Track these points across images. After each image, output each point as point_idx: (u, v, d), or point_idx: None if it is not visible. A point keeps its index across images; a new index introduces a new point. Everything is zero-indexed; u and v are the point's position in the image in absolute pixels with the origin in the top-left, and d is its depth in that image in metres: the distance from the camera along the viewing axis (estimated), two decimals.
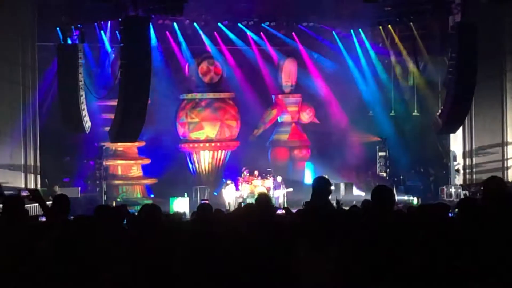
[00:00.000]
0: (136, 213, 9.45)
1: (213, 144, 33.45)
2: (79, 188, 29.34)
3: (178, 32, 31.39)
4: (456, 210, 8.29)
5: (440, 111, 29.04)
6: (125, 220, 9.69)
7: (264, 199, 9.38)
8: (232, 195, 30.07)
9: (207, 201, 23.85)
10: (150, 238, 8.38)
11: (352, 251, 7.87)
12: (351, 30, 32.59)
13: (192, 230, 9.34)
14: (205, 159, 33.62)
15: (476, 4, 27.32)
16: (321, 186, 9.00)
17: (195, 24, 31.23)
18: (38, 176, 28.40)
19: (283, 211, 11.65)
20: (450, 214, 9.38)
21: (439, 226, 7.99)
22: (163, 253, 8.35)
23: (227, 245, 8.48)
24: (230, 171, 32.80)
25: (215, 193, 31.35)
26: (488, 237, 7.68)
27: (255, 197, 27.78)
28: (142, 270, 8.25)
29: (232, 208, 27.74)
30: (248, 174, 30.91)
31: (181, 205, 28.03)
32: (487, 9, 27.80)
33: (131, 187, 32.22)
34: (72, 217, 8.96)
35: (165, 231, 8.74)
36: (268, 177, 31.07)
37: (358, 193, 31.47)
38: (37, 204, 9.41)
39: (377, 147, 34.19)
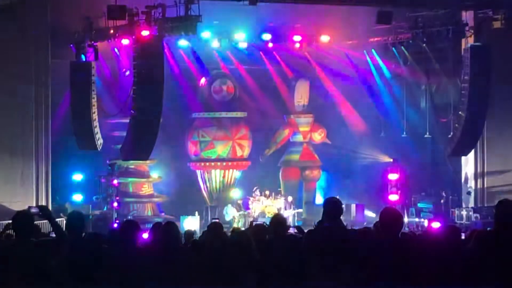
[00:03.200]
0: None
1: (224, 163, 33.45)
2: (90, 205, 29.37)
3: (191, 50, 31.41)
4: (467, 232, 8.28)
5: (452, 133, 28.98)
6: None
7: (279, 220, 9.42)
8: (231, 214, 30.30)
9: (217, 220, 23.85)
10: (164, 256, 8.38)
11: (363, 271, 7.87)
12: (364, 51, 32.59)
13: (203, 248, 9.33)
14: (216, 178, 33.59)
15: (489, 27, 27.30)
16: (332, 206, 8.97)
17: (208, 42, 31.23)
18: (49, 193, 28.36)
19: (295, 230, 11.65)
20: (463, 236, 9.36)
21: (449, 248, 7.98)
22: (175, 271, 8.34)
23: (239, 264, 8.47)
24: (241, 190, 32.74)
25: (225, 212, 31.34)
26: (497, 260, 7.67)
27: (266, 216, 27.62)
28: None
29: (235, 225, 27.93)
30: (259, 194, 30.91)
31: (191, 223, 28.02)
32: (500, 33, 27.74)
33: (142, 205, 32.18)
34: (83, 234, 8.96)
35: (180, 249, 8.76)
36: (279, 197, 31.06)
37: (370, 215, 31.38)
38: (46, 221, 9.37)
39: (389, 168, 34.11)
